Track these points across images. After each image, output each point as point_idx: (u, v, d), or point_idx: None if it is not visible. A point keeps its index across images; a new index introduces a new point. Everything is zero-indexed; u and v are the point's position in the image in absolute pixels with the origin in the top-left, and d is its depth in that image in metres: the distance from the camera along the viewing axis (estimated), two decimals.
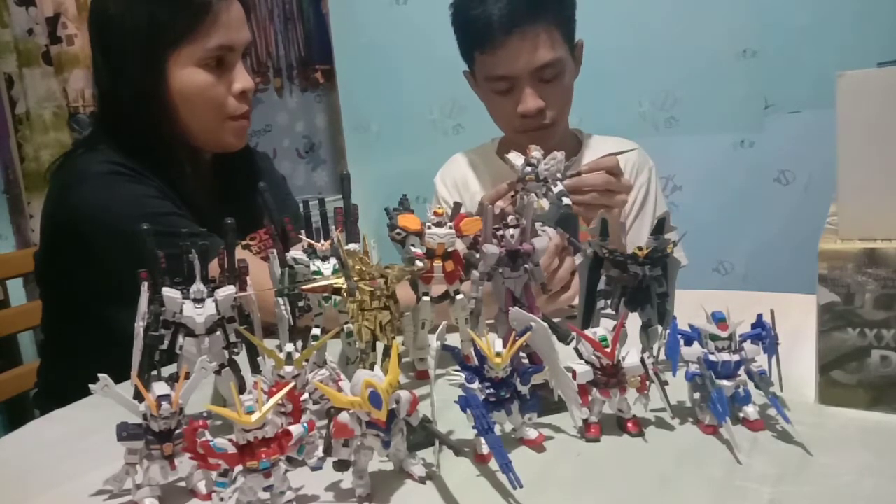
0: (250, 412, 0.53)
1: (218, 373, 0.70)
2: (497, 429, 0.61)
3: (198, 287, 0.68)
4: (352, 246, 0.79)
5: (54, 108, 2.44)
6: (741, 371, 0.65)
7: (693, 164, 2.06)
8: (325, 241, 0.78)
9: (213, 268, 0.72)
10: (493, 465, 0.59)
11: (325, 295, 0.76)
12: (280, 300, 0.77)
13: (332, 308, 0.77)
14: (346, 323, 0.75)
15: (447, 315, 0.80)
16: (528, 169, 0.90)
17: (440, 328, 0.62)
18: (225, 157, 1.24)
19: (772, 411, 0.65)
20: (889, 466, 0.58)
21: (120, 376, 0.64)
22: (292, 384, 0.63)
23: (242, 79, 1.16)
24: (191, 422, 0.57)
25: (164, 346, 0.69)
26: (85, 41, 2.39)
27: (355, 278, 0.68)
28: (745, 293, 1.14)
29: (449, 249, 0.78)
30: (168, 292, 0.68)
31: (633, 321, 0.74)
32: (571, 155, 1.35)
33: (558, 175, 0.90)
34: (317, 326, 0.77)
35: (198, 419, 0.57)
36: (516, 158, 0.92)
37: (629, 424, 0.66)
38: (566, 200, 0.89)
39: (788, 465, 0.59)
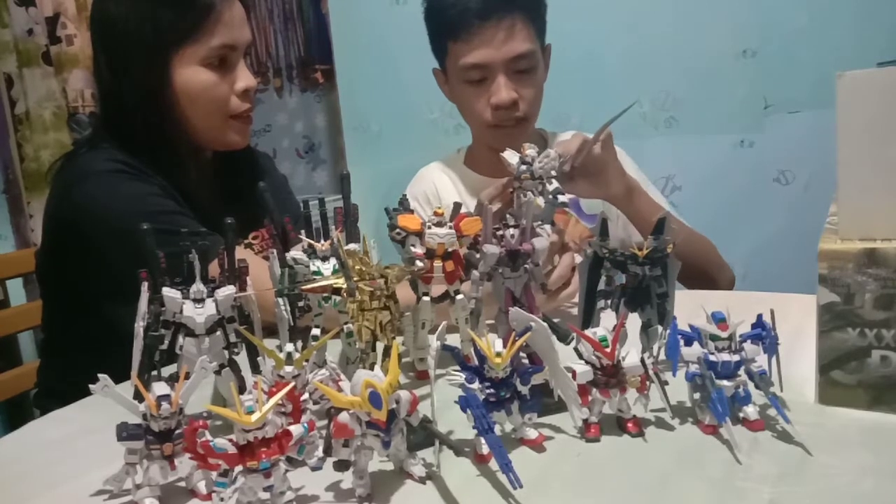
0: (250, 412, 0.53)
1: (218, 373, 0.70)
2: (497, 429, 0.61)
3: (198, 287, 0.68)
4: (352, 246, 0.79)
5: (54, 108, 2.44)
6: (741, 371, 0.65)
7: (693, 164, 2.05)
8: (325, 241, 0.78)
9: (214, 268, 0.72)
10: (493, 465, 0.59)
11: (325, 295, 0.76)
12: (280, 300, 0.77)
13: (332, 308, 0.77)
14: (346, 323, 0.75)
15: (447, 315, 0.80)
16: (524, 167, 0.90)
17: (440, 328, 0.62)
18: (226, 157, 1.25)
19: (772, 411, 0.65)
20: (889, 466, 0.58)
21: (120, 376, 0.64)
22: (292, 384, 0.63)
23: (244, 77, 1.16)
24: (191, 422, 0.57)
25: (164, 346, 0.69)
26: (85, 41, 2.39)
27: (355, 278, 0.68)
28: (745, 293, 1.14)
29: (449, 249, 0.78)
30: (168, 292, 0.68)
31: (633, 321, 0.74)
32: None
33: (552, 172, 0.90)
34: (317, 326, 0.77)
35: (198, 419, 0.57)
36: (511, 157, 0.92)
37: (629, 424, 0.66)
38: (561, 198, 0.89)
39: (788, 465, 0.59)
